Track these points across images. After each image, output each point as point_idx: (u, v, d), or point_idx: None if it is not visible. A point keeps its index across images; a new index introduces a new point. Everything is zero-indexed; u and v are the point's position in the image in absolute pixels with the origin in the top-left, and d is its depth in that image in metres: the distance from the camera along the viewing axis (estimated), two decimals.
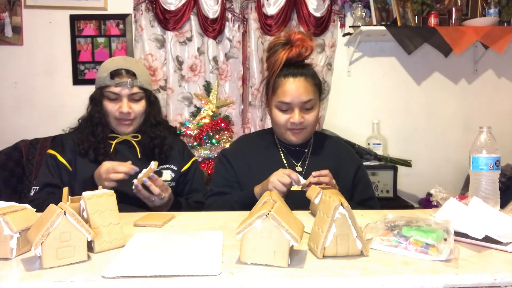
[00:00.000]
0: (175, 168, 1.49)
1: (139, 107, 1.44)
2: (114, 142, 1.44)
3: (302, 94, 1.28)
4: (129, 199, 1.29)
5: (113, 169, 1.24)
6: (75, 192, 1.28)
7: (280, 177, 1.17)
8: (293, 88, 1.28)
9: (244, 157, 1.41)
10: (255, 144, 1.45)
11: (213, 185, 1.41)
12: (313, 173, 1.18)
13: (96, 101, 1.43)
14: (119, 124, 1.44)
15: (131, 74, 1.41)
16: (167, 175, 1.46)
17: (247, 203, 1.24)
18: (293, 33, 1.31)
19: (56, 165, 1.40)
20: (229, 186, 1.38)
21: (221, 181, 1.40)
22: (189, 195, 1.51)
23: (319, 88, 1.36)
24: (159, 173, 1.43)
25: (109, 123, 1.45)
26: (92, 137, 1.41)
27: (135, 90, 1.41)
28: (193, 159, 1.58)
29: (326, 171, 1.19)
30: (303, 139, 1.37)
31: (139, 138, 1.47)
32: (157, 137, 1.46)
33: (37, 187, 1.37)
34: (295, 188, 1.27)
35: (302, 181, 1.19)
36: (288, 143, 1.39)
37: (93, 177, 1.28)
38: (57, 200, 1.22)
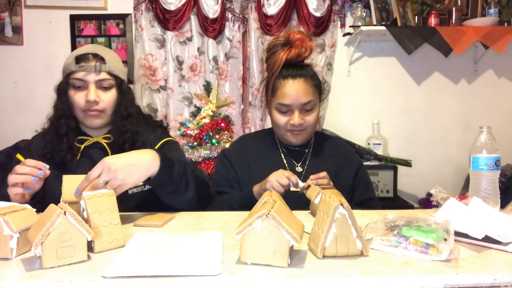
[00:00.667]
0: None
1: (109, 96, 1.26)
2: (82, 146, 1.27)
3: (302, 96, 1.27)
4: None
5: (15, 170, 1.03)
6: (44, 203, 1.01)
7: (279, 178, 1.18)
8: (293, 90, 1.27)
9: (244, 157, 1.41)
10: (255, 144, 1.45)
11: (214, 184, 1.41)
12: (311, 177, 1.18)
13: (60, 91, 1.26)
14: (86, 117, 1.25)
15: (99, 58, 1.24)
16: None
17: (246, 202, 1.24)
18: (292, 33, 1.30)
19: None
20: (229, 185, 1.38)
21: (221, 180, 1.40)
22: None
23: (319, 88, 1.35)
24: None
25: (76, 118, 1.28)
26: (56, 137, 1.25)
27: (104, 75, 1.23)
28: (169, 138, 1.38)
29: (323, 173, 1.19)
30: (303, 140, 1.37)
31: (112, 139, 1.28)
32: (127, 131, 1.28)
33: None
34: (294, 189, 1.27)
35: (301, 184, 1.19)
36: (288, 144, 1.39)
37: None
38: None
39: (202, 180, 1.25)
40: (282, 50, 1.29)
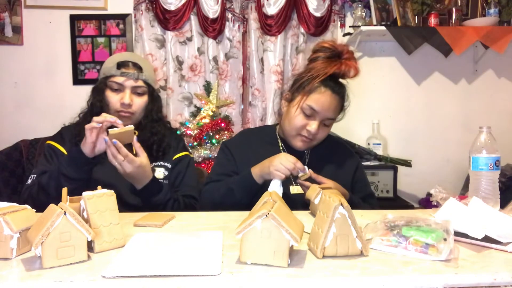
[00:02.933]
0: (169, 166, 1.46)
1: (141, 101, 1.41)
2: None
3: (331, 110, 1.30)
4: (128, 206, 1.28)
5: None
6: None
7: (285, 162, 1.19)
8: (328, 101, 1.28)
9: (245, 150, 1.41)
10: (257, 139, 1.46)
11: (212, 173, 1.42)
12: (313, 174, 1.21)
13: (98, 90, 1.40)
14: (118, 116, 1.34)
15: (138, 67, 1.40)
16: (160, 173, 1.43)
17: (245, 184, 1.25)
18: (345, 49, 1.29)
19: (54, 153, 1.39)
20: (227, 175, 1.38)
21: (220, 170, 1.40)
22: (179, 188, 1.46)
23: (343, 110, 1.38)
24: (151, 170, 1.35)
25: None
26: None
27: (140, 83, 1.39)
28: (187, 153, 1.55)
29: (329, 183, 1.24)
30: (306, 148, 1.38)
31: (137, 134, 1.37)
32: (157, 133, 1.44)
33: (34, 175, 1.33)
34: (294, 191, 1.28)
35: (306, 170, 1.22)
36: (292, 147, 1.38)
37: (87, 163, 1.22)
38: (50, 180, 1.23)
39: (192, 206, 1.41)
40: (334, 61, 1.28)
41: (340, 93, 1.31)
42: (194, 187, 1.48)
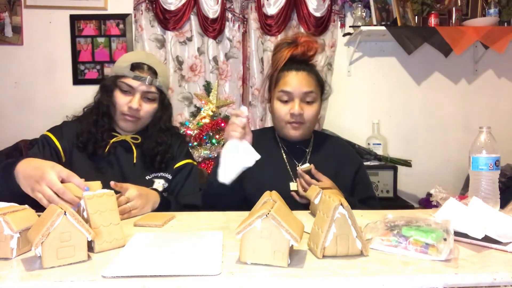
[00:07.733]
0: (170, 177, 1.39)
1: (150, 107, 1.34)
2: (111, 141, 1.33)
3: (304, 85, 1.30)
4: None
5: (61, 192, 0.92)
6: None
7: (232, 125, 1.14)
8: (295, 79, 1.31)
9: None
10: (256, 141, 1.45)
11: (210, 177, 1.41)
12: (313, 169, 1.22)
13: (107, 89, 1.33)
14: (122, 119, 1.33)
15: (153, 71, 1.32)
16: (159, 184, 1.35)
17: (215, 169, 1.21)
18: (300, 35, 1.36)
19: (48, 146, 1.30)
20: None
21: (212, 178, 1.40)
22: (177, 198, 1.37)
23: (321, 86, 1.38)
24: (150, 181, 1.34)
25: (113, 117, 1.35)
26: (94, 128, 1.31)
27: (152, 89, 1.32)
28: (190, 160, 1.46)
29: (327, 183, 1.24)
30: (302, 134, 1.37)
31: (139, 140, 1.37)
32: (162, 143, 1.37)
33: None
34: (294, 187, 1.28)
35: (245, 109, 1.15)
36: (288, 138, 1.38)
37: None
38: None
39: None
40: (288, 47, 1.34)
41: (306, 69, 1.34)
42: (193, 193, 1.40)
